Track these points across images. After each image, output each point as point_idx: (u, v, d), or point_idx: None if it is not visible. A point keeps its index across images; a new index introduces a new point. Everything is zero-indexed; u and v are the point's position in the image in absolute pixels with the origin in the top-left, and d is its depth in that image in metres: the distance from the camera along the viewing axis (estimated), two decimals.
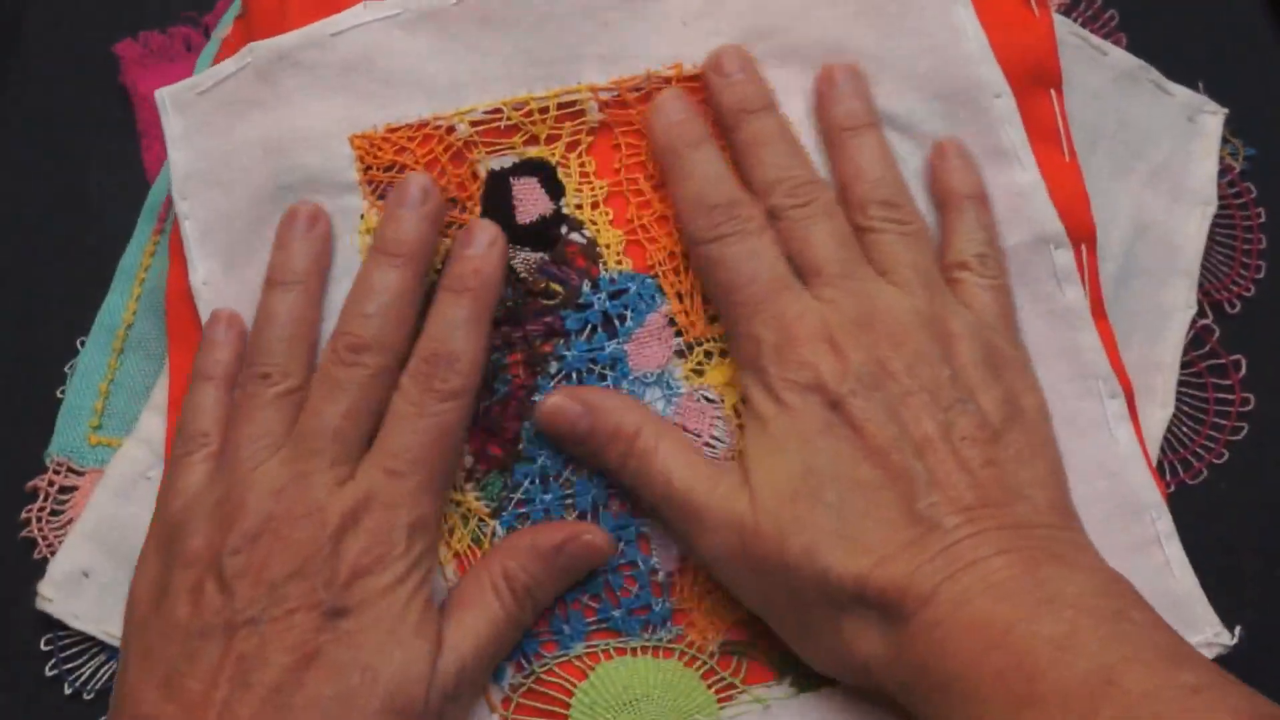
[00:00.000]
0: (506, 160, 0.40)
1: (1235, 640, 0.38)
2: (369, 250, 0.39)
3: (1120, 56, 0.44)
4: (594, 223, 0.40)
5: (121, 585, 0.38)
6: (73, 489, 0.42)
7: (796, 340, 0.36)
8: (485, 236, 0.38)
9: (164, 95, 0.41)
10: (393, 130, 0.40)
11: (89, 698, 0.40)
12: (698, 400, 0.39)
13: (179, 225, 0.41)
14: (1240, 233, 0.45)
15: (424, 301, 0.38)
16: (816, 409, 0.35)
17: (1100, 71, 0.44)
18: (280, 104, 0.40)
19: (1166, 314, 0.43)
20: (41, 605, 0.40)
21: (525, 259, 0.40)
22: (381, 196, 0.40)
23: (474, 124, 0.40)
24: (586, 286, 0.40)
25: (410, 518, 0.36)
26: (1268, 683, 0.37)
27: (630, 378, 0.39)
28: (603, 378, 0.39)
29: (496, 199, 0.40)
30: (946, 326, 0.36)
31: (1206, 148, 0.44)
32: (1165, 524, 0.39)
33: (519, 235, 0.40)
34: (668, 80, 0.40)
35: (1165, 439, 0.42)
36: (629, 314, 0.40)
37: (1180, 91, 0.44)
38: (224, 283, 0.40)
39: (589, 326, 0.40)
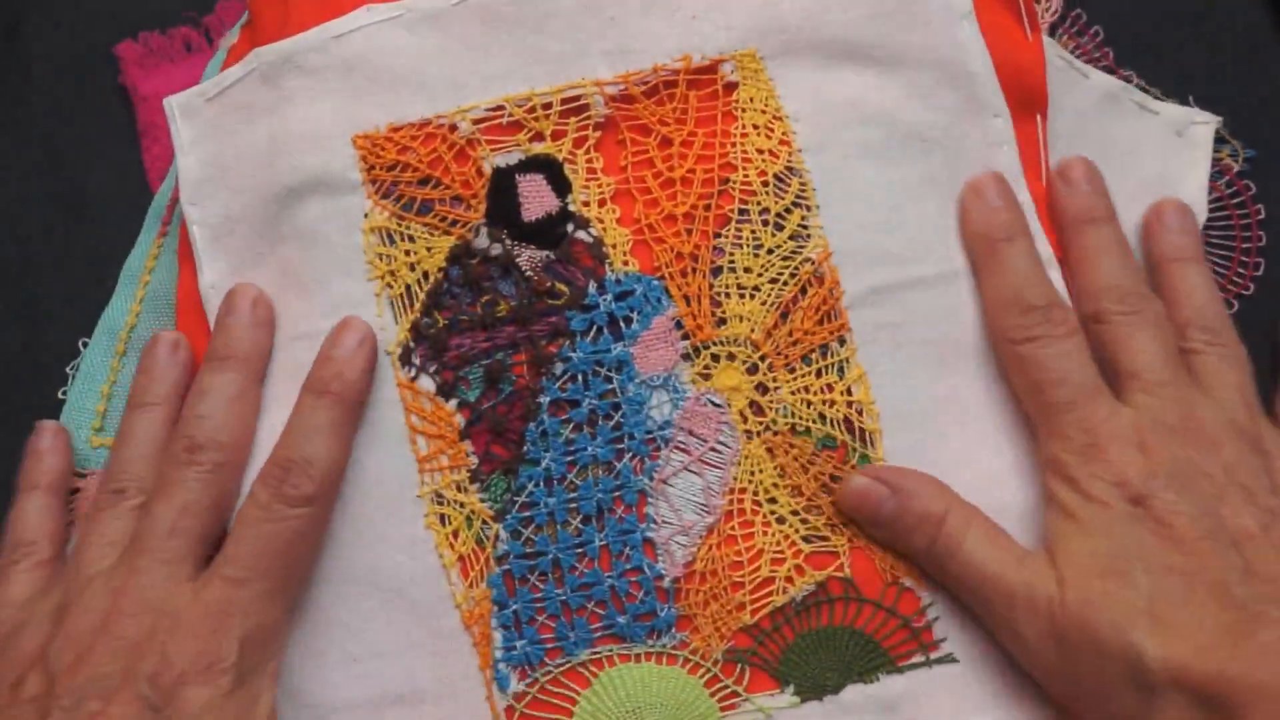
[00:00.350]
0: (512, 157, 0.40)
1: None
2: (203, 361, 0.39)
3: (1101, 79, 0.44)
4: (600, 220, 0.40)
5: None
6: (76, 490, 0.42)
7: (1105, 442, 0.36)
8: (353, 337, 0.39)
9: (172, 103, 0.42)
10: (395, 129, 0.40)
11: None
12: (704, 404, 0.39)
13: (187, 230, 0.41)
14: (1239, 232, 0.45)
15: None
16: (1122, 503, 0.35)
17: (1081, 93, 0.44)
18: (284, 106, 0.41)
19: None
20: None
21: (531, 257, 0.40)
22: (385, 195, 0.40)
23: (476, 121, 0.40)
24: (592, 287, 0.40)
25: (245, 627, 0.35)
26: None
27: (636, 380, 0.39)
28: (609, 380, 0.39)
29: (501, 196, 0.40)
30: (1264, 444, 0.37)
31: (1196, 159, 0.44)
32: None
33: (525, 232, 0.40)
34: (675, 74, 0.40)
35: None
36: (635, 316, 0.39)
37: (1166, 109, 0.44)
38: (231, 285, 0.40)
39: (595, 328, 0.39)
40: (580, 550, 0.39)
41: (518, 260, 0.40)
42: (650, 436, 0.39)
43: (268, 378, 0.40)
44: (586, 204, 0.40)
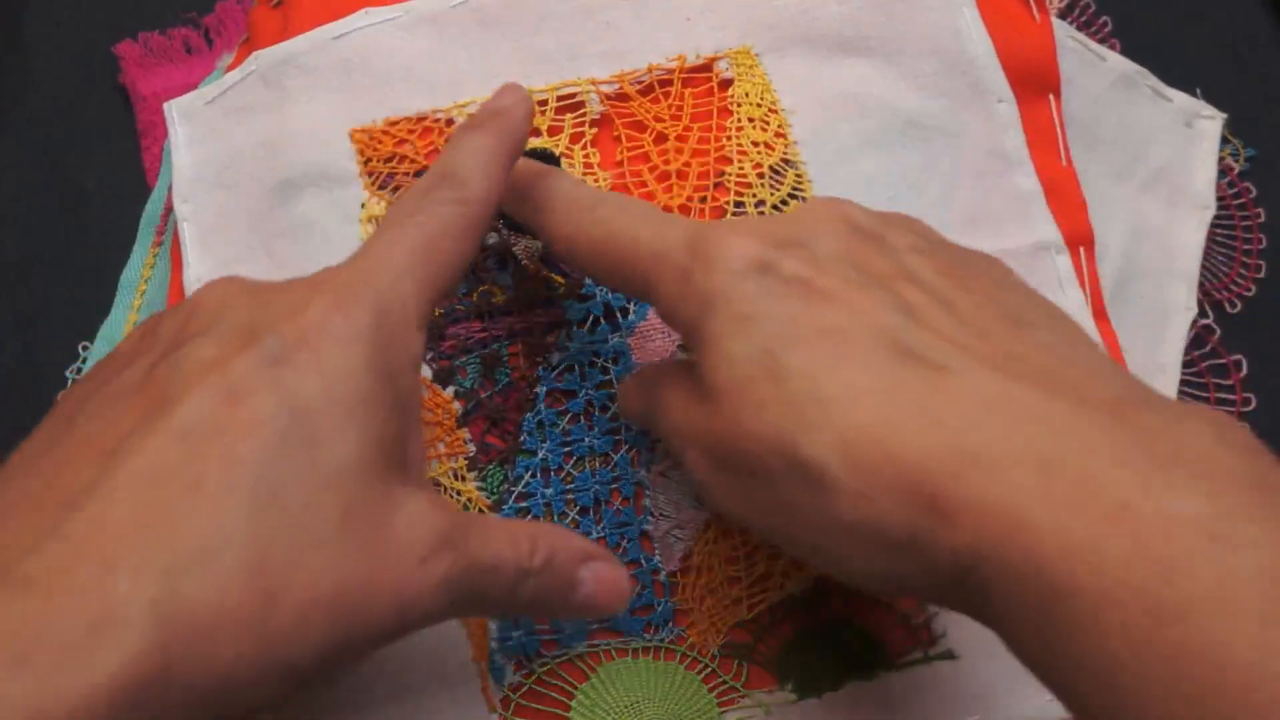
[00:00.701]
0: None
1: None
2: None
3: (1118, 61, 0.44)
4: None
5: None
6: None
7: (712, 238, 0.30)
8: (515, 92, 0.34)
9: (171, 107, 0.42)
10: (392, 124, 0.40)
11: None
12: None
13: (179, 229, 0.41)
14: (1240, 233, 0.45)
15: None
16: (745, 282, 0.29)
17: (1098, 76, 0.44)
18: (282, 104, 0.41)
19: (1167, 316, 0.43)
20: None
21: (527, 246, 0.40)
22: (382, 186, 0.40)
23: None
24: (588, 278, 0.40)
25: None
26: None
27: (633, 371, 0.39)
28: (605, 371, 0.39)
29: None
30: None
31: (1205, 152, 0.44)
32: None
33: (521, 224, 0.40)
34: (670, 73, 0.41)
35: None
36: (632, 306, 0.40)
37: (1178, 97, 0.45)
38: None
39: (591, 318, 0.39)
40: None
41: (514, 250, 0.40)
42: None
43: None
44: None
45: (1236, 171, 0.45)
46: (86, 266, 0.44)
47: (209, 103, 0.42)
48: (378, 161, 0.40)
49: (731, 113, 0.41)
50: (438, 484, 0.39)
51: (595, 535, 0.38)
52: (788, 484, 0.27)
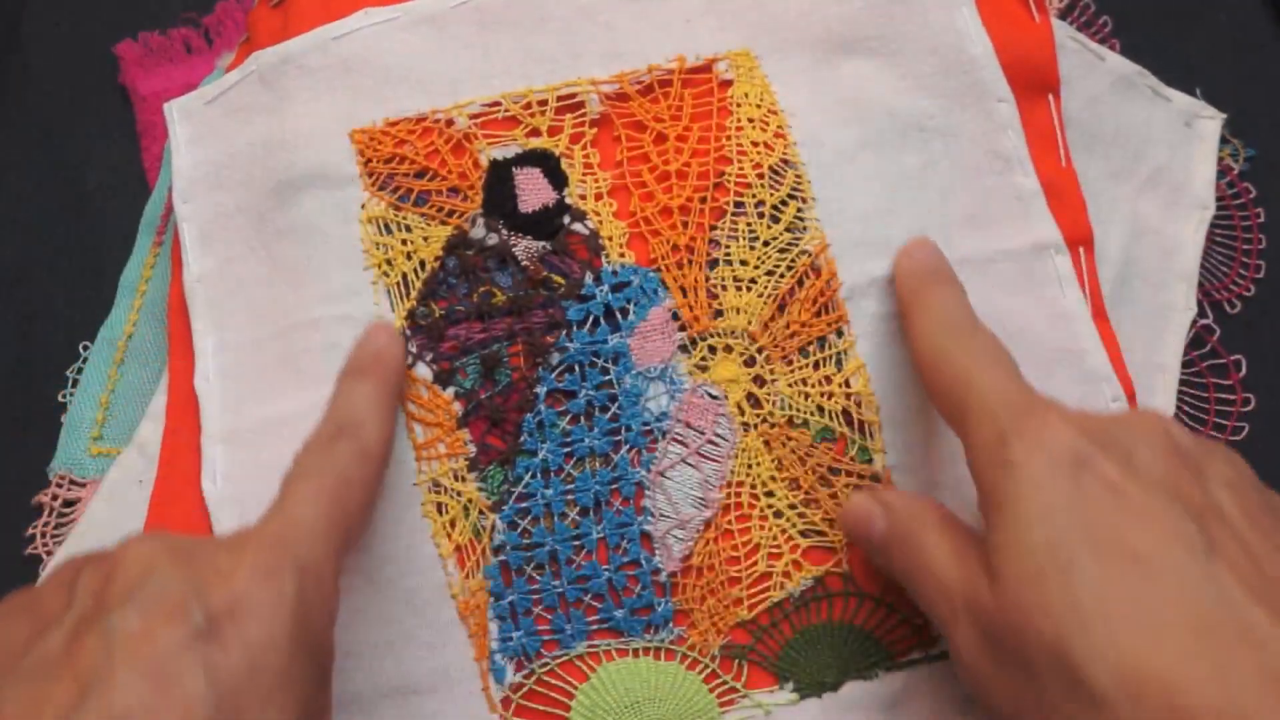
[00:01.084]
0: (509, 150, 0.41)
1: None
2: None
3: (1117, 62, 0.44)
4: (597, 214, 0.40)
5: None
6: (76, 501, 0.42)
7: (1040, 412, 0.31)
8: (385, 333, 0.37)
9: (171, 107, 0.42)
10: (392, 124, 0.40)
11: None
12: (701, 396, 0.39)
13: (178, 229, 0.41)
14: (1240, 233, 0.45)
15: None
16: (1059, 471, 0.29)
17: (1098, 76, 0.44)
18: (283, 105, 0.41)
19: (1166, 316, 0.43)
20: None
21: (527, 247, 0.40)
22: (382, 187, 0.40)
23: (473, 116, 0.40)
24: (589, 278, 0.40)
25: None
26: None
27: (633, 372, 0.39)
28: (605, 371, 0.39)
29: (498, 188, 0.40)
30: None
31: (1204, 152, 0.44)
32: None
33: (521, 224, 0.40)
34: (670, 73, 0.41)
35: None
36: (631, 307, 0.40)
37: (1177, 97, 0.45)
38: (218, 279, 0.40)
39: (591, 318, 0.39)
40: (577, 542, 0.39)
41: (514, 250, 0.40)
42: (647, 428, 0.39)
43: (267, 370, 0.40)
44: (583, 197, 0.40)
45: (1236, 171, 0.45)
46: (86, 266, 0.44)
47: (209, 103, 0.42)
48: (378, 162, 0.40)
49: (731, 113, 0.41)
50: (438, 485, 0.39)
51: (595, 535, 0.38)
52: (1056, 689, 0.27)
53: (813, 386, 0.39)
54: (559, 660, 0.38)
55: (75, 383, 0.43)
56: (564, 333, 0.39)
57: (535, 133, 0.41)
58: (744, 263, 0.40)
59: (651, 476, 0.39)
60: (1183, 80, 0.45)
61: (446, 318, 0.40)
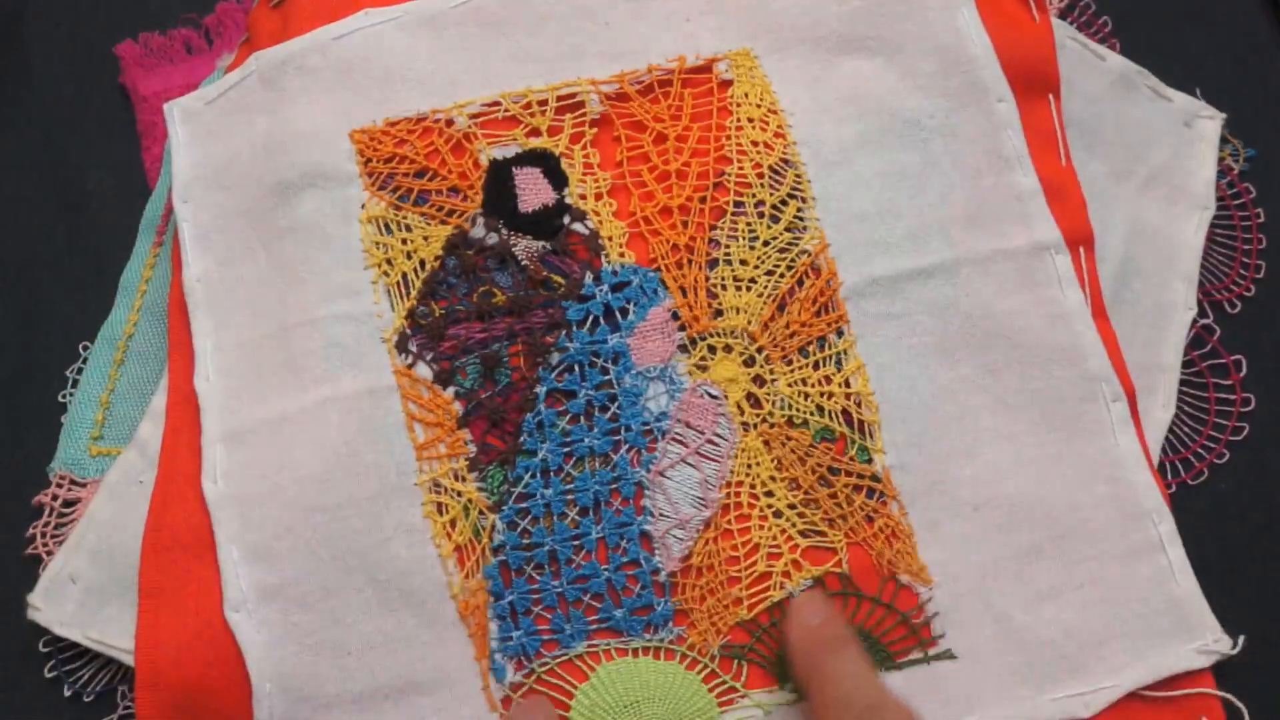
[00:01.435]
0: (509, 149, 0.41)
1: (1235, 650, 0.38)
2: None
3: (1118, 62, 0.44)
4: (597, 214, 0.40)
5: (104, 588, 0.38)
6: (76, 501, 0.42)
7: None
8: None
9: (171, 108, 0.42)
10: (392, 124, 0.41)
11: (89, 700, 0.40)
12: (701, 396, 0.39)
13: (178, 229, 0.41)
14: (1240, 233, 0.45)
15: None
16: None
17: (1098, 76, 0.44)
18: (282, 105, 0.41)
19: (1167, 316, 0.43)
20: (31, 615, 0.39)
21: (527, 247, 0.40)
22: (382, 186, 0.40)
23: (472, 116, 0.41)
24: (589, 278, 0.40)
25: None
26: (1267, 684, 0.37)
27: (633, 372, 0.39)
28: (605, 371, 0.39)
29: (498, 187, 0.40)
30: None
31: (1204, 152, 0.44)
32: (1167, 527, 0.39)
33: (521, 223, 0.40)
34: (670, 73, 0.41)
35: (1166, 439, 0.42)
36: (631, 307, 0.40)
37: (1178, 97, 0.45)
38: (218, 279, 0.41)
39: (591, 318, 0.39)
40: (577, 542, 0.39)
41: (515, 249, 0.40)
42: (647, 428, 0.39)
43: (267, 369, 0.40)
44: (583, 197, 0.40)
45: (1236, 171, 0.45)
46: (86, 266, 0.44)
47: (209, 103, 0.42)
48: (378, 161, 0.40)
49: (731, 113, 0.41)
50: (438, 485, 0.39)
51: (595, 535, 0.38)
52: None
53: (812, 386, 0.39)
54: (559, 660, 0.38)
55: (75, 383, 0.43)
56: (564, 332, 0.39)
57: (535, 132, 0.41)
58: (744, 262, 0.40)
59: (651, 476, 0.39)
60: (1183, 80, 0.45)
61: (446, 317, 0.40)
